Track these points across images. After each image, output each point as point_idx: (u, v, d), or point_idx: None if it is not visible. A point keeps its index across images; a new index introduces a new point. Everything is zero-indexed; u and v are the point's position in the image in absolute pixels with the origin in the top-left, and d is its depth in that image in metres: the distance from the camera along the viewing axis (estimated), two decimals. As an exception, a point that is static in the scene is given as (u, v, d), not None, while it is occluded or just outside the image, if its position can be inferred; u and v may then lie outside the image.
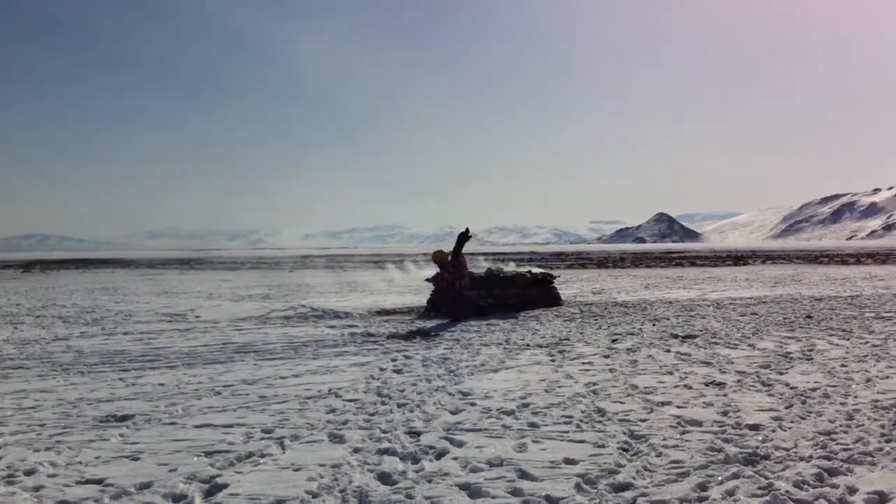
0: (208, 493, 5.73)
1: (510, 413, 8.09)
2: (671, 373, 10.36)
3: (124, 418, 8.11)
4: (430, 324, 17.14)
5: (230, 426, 7.70)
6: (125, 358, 12.39)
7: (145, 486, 5.84)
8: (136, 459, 6.59)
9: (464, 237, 18.66)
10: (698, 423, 7.53)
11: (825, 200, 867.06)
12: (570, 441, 7.00)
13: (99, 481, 5.99)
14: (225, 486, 5.84)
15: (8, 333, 16.28)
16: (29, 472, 6.26)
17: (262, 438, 7.23)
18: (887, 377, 9.79)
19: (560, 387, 9.47)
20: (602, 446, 6.78)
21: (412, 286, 30.40)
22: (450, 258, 18.62)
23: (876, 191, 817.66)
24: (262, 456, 6.65)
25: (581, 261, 73.51)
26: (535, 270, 22.00)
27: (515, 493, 5.60)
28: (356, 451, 6.77)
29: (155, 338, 15.04)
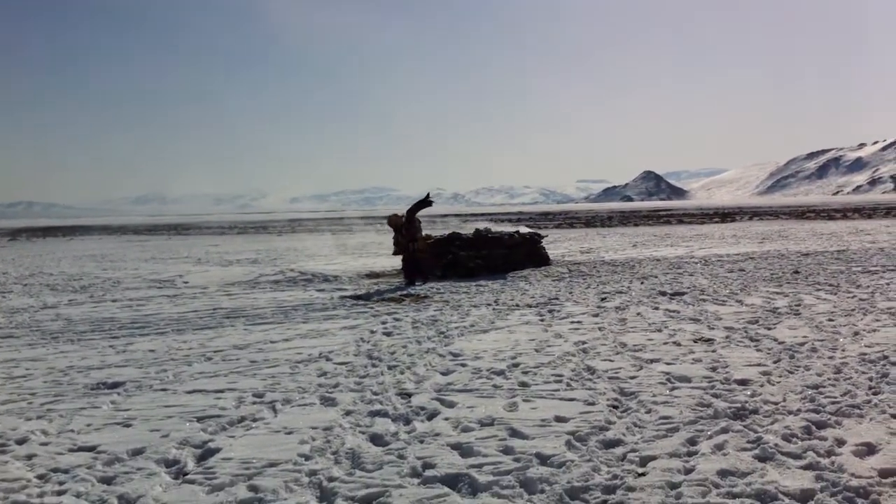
0: (201, 458, 5.75)
1: (500, 373, 8.12)
2: (660, 330, 10.42)
3: (115, 385, 8.11)
4: (419, 286, 17.15)
5: (222, 391, 7.72)
6: (115, 325, 12.37)
7: (138, 453, 5.85)
8: (127, 426, 6.60)
9: (423, 203, 18.66)
10: (687, 380, 7.58)
11: (811, 156, 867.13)
12: (560, 399, 7.04)
13: (91, 448, 6.00)
14: (217, 450, 5.86)
15: (-4, 303, 16.22)
16: (21, 441, 6.26)
17: (254, 403, 7.24)
18: (874, 331, 9.87)
19: (550, 346, 9.52)
20: (592, 404, 6.82)
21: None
22: (404, 221, 18.54)
23: (861, 145, 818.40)
24: (255, 420, 6.67)
25: (569, 220, 73.59)
26: (523, 230, 21.99)
27: (507, 451, 5.64)
28: (348, 413, 6.80)
29: (144, 304, 15.01)
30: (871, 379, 7.38)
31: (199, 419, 6.72)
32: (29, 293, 18.00)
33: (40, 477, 5.43)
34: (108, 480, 5.31)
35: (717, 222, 55.15)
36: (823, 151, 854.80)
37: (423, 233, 19.61)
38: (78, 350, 10.31)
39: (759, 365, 8.12)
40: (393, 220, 18.74)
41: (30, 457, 5.86)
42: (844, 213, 67.05)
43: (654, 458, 5.41)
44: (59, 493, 5.11)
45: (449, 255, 19.40)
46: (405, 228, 18.32)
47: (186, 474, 5.42)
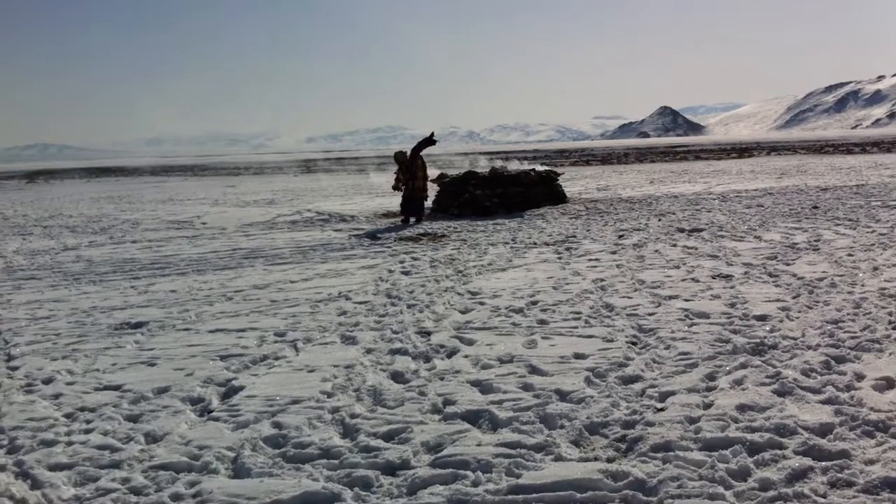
0: (225, 396, 5.84)
1: (519, 311, 8.16)
2: (678, 267, 10.41)
3: (138, 325, 8.21)
4: (436, 224, 17.18)
5: (243, 330, 7.80)
6: (135, 266, 12.47)
7: (163, 391, 5.94)
8: (152, 365, 6.69)
9: (427, 141, 18.68)
10: (706, 316, 7.60)
11: (829, 89, 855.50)
12: (578, 336, 7.07)
13: (117, 387, 6.09)
14: (241, 388, 5.94)
15: (17, 244, 16.36)
16: (47, 381, 6.36)
17: (276, 342, 7.32)
18: (894, 265, 9.82)
19: (568, 284, 9.53)
20: (611, 340, 6.86)
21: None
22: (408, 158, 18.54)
23: (880, 78, 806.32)
24: (277, 359, 6.75)
25: (585, 157, 73.24)
26: (539, 168, 21.89)
27: (526, 388, 5.69)
28: (368, 351, 6.86)
29: (164, 245, 15.11)
30: (890, 314, 7.35)
31: (223, 358, 6.80)
32: (49, 235, 18.13)
33: (67, 416, 5.52)
34: (134, 419, 5.40)
35: (734, 158, 54.73)
36: (842, 84, 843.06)
37: (440, 171, 19.61)
38: (100, 291, 10.41)
39: (777, 300, 8.12)
40: (399, 157, 18.76)
41: (56, 396, 5.96)
42: (863, 147, 66.32)
43: (672, 393, 5.45)
44: (87, 432, 5.19)
45: (465, 194, 19.40)
46: (406, 166, 18.31)
47: (211, 412, 5.50)
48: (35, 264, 13.17)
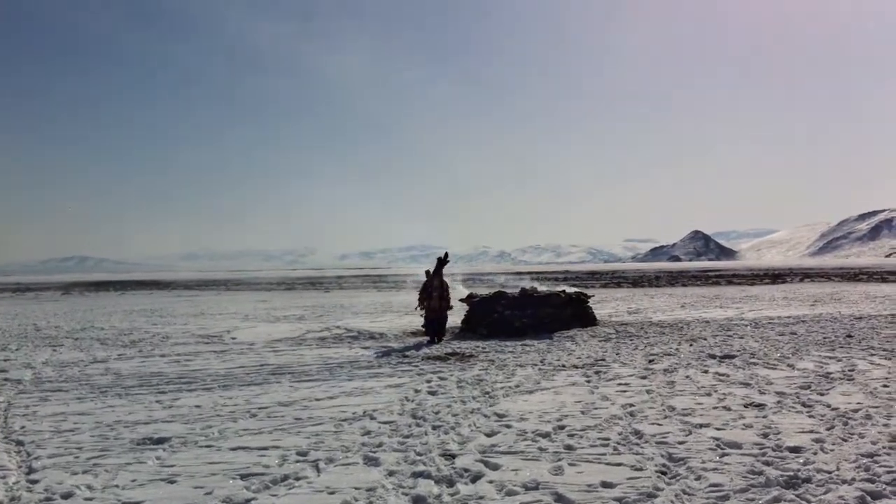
0: (243, 517, 5.74)
1: (546, 435, 8.03)
2: (709, 394, 10.24)
3: (161, 441, 8.16)
4: (464, 344, 17.11)
5: (265, 448, 7.72)
6: (162, 380, 12.47)
7: (181, 510, 5.85)
8: (172, 482, 6.62)
9: (441, 262, 18.88)
10: (738, 446, 7.43)
11: (863, 217, 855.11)
12: (606, 464, 6.93)
13: (135, 505, 6.02)
14: (260, 509, 5.84)
15: (47, 356, 16.45)
16: (66, 496, 6.31)
17: (298, 461, 7.23)
18: (931, 398, 9.60)
19: (596, 408, 9.39)
20: (639, 469, 6.70)
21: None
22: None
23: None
24: (297, 479, 6.65)
25: (616, 280, 73.18)
26: (570, 290, 21.89)
27: (552, 517, 5.55)
28: (391, 473, 6.75)
29: (192, 360, 15.13)
30: (929, 448, 7.16)
31: (243, 476, 6.72)
32: (79, 347, 18.24)
33: (84, 533, 5.45)
34: (150, 538, 5.31)
35: (767, 284, 54.45)
36: (875, 213, 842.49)
37: (469, 291, 19.74)
38: (125, 405, 10.39)
39: (811, 432, 7.93)
40: (428, 275, 19.06)
41: (74, 512, 5.89)
42: (899, 275, 65.79)
43: (703, 526, 5.28)
44: (102, 550, 5.11)
45: (494, 314, 19.40)
46: (424, 286, 18.58)
47: (228, 533, 5.40)
48: (63, 376, 13.21)
